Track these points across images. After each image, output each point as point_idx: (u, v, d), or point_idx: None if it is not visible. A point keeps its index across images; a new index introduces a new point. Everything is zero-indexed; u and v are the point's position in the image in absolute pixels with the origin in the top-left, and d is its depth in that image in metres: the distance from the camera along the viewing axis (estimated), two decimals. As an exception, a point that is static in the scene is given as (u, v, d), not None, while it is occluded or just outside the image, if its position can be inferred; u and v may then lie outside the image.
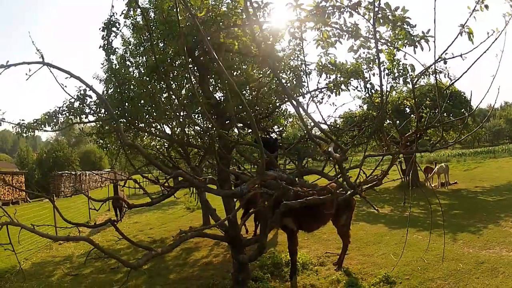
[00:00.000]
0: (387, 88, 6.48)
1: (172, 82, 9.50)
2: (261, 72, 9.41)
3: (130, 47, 10.93)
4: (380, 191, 20.65)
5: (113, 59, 10.97)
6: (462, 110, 20.61)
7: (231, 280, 8.65)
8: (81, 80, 5.52)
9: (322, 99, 9.06)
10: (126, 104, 8.72)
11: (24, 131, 8.37)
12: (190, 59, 8.65)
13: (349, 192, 5.82)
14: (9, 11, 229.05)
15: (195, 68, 9.18)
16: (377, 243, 11.18)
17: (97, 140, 12.35)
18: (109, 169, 57.20)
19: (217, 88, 9.74)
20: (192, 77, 9.41)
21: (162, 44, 8.87)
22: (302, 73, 8.76)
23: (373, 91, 8.21)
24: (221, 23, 7.62)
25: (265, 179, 5.79)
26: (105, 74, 11.78)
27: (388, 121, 18.69)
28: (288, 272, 9.06)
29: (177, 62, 9.02)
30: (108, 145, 13.08)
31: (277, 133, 11.62)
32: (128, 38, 10.97)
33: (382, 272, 8.45)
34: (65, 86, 6.97)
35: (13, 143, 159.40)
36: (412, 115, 20.83)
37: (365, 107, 19.41)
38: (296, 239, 8.78)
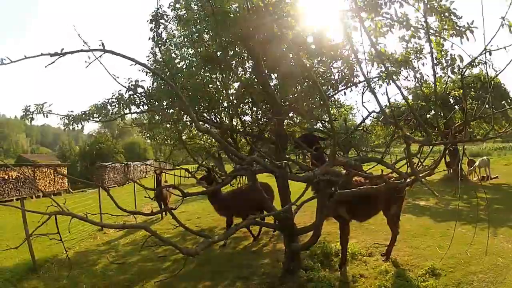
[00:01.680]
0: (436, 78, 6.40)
1: (226, 72, 9.57)
2: (314, 61, 9.41)
3: (174, 39, 11.03)
4: (424, 183, 20.40)
5: (157, 52, 11.16)
6: (503, 102, 20.29)
7: (281, 268, 8.72)
8: (148, 67, 5.58)
9: (374, 88, 9.05)
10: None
11: (71, 123, 8.41)
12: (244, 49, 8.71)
13: (408, 180, 5.84)
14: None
15: (249, 57, 9.21)
16: (423, 236, 11.11)
17: (145, 131, 12.52)
18: (154, 160, 57.79)
19: (271, 77, 9.73)
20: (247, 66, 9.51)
21: (214, 34, 8.91)
22: (354, 62, 8.71)
23: (421, 81, 8.14)
24: (274, 13, 7.63)
25: (336, 165, 5.83)
26: (152, 65, 11.95)
27: (433, 112, 18.49)
28: (337, 262, 9.12)
29: (230, 52, 9.04)
30: (156, 136, 13.24)
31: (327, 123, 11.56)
32: (173, 31, 11.04)
33: (428, 264, 8.49)
34: (117, 77, 7.10)
35: (53, 137, 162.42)
36: (455, 106, 20.58)
37: (410, 97, 19.22)
38: (348, 229, 8.84)
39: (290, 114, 10.52)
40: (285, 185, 9.08)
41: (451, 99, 21.29)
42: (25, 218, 10.75)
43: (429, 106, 17.65)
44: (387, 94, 6.49)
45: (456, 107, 20.37)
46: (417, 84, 8.72)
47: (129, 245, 13.52)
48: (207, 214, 16.79)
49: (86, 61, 5.01)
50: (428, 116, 20.07)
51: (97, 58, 5.01)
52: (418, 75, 7.99)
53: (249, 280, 8.77)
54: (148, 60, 12.34)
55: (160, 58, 10.79)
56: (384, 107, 7.74)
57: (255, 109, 11.23)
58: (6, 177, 32.62)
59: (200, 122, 11.16)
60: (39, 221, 4.94)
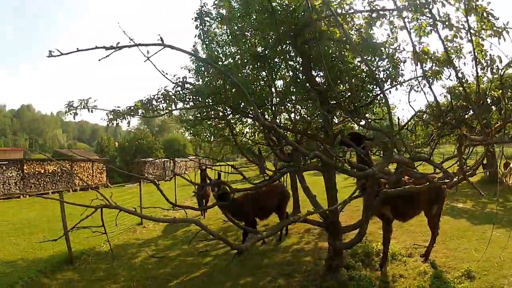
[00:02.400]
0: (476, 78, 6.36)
1: (272, 69, 9.59)
2: (360, 60, 9.38)
3: (216, 38, 11.09)
4: (461, 185, 20.20)
5: (200, 50, 11.22)
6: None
7: (323, 266, 8.68)
8: (209, 62, 5.57)
9: (418, 87, 9.01)
10: (225, 91, 8.80)
11: (116, 119, 8.44)
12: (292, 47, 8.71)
13: (455, 179, 5.80)
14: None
15: (296, 55, 9.21)
16: (460, 238, 11.02)
17: (189, 128, 12.61)
18: (194, 156, 58.37)
19: (319, 75, 9.71)
20: (296, 64, 9.51)
21: (261, 32, 8.93)
22: (398, 61, 8.67)
23: (463, 80, 8.06)
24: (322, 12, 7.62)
25: (392, 162, 5.81)
26: (194, 63, 12.03)
27: (471, 112, 18.26)
28: (378, 261, 9.11)
29: (278, 50, 9.05)
30: (199, 133, 13.35)
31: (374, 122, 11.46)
32: (214, 29, 11.08)
33: (464, 266, 8.43)
34: (166, 73, 7.15)
35: (91, 133, 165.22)
36: (492, 107, 20.23)
37: (449, 97, 18.97)
38: (391, 228, 8.82)
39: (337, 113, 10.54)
40: (332, 184, 9.04)
41: (488, 100, 20.96)
42: (63, 210, 10.90)
43: (468, 106, 17.45)
44: (433, 93, 6.40)
45: (493, 107, 20.04)
46: (459, 84, 8.62)
47: (169, 239, 13.62)
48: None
49: (145, 55, 5.01)
50: (466, 116, 19.84)
51: (156, 53, 5.02)
52: (460, 75, 7.91)
53: (291, 277, 8.78)
54: (190, 58, 12.43)
55: (205, 55, 10.89)
56: (431, 106, 7.71)
57: (299, 107, 11.25)
58: (42, 171, 33.38)
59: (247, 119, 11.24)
60: (82, 214, 4.99)
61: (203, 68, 10.78)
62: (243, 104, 9.14)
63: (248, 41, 9.79)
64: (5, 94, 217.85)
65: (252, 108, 8.74)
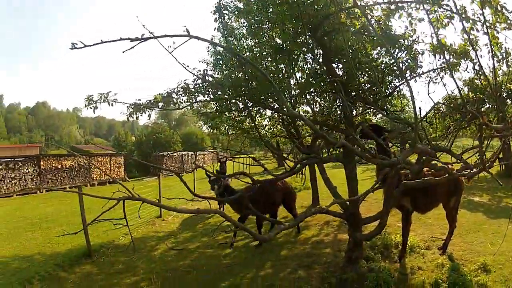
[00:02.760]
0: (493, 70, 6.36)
1: (291, 62, 9.60)
2: (379, 52, 9.39)
3: (234, 31, 11.14)
4: (478, 179, 20.12)
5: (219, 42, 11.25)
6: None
7: (343, 258, 8.74)
8: (242, 57, 5.58)
9: (436, 79, 9.02)
10: (246, 83, 8.82)
11: (136, 112, 8.46)
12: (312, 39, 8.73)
13: (475, 170, 5.81)
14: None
15: (316, 47, 9.23)
16: (476, 231, 11.12)
17: (209, 120, 12.65)
18: (212, 149, 58.64)
19: (338, 67, 9.72)
20: (316, 56, 9.51)
21: (280, 24, 8.94)
22: (417, 52, 8.67)
23: (480, 72, 8.07)
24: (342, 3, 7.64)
25: (415, 152, 5.83)
26: (212, 57, 12.09)
27: (487, 105, 18.13)
28: (396, 253, 9.17)
29: (298, 41, 9.06)
30: (218, 125, 13.41)
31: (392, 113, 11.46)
32: (231, 23, 11.10)
33: (480, 259, 8.48)
34: (187, 66, 7.18)
35: (108, 128, 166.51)
36: (507, 100, 20.10)
37: (465, 89, 18.88)
38: (410, 220, 8.89)
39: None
40: (353, 175, 9.06)
41: (504, 93, 20.81)
42: (82, 204, 11.00)
43: (485, 99, 17.32)
44: (456, 83, 6.39)
45: (508, 101, 19.92)
46: (476, 76, 8.63)
47: (188, 232, 13.70)
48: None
49: (170, 46, 5.04)
50: (482, 109, 19.70)
51: (181, 44, 5.04)
52: (476, 67, 7.93)
53: (311, 269, 8.83)
54: (208, 50, 12.49)
55: (223, 48, 10.94)
56: (449, 97, 7.72)
57: (318, 99, 11.26)
58: (60, 166, 33.70)
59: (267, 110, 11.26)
60: (103, 206, 5.04)
61: (221, 61, 10.84)
62: (263, 96, 9.15)
63: (266, 34, 9.81)
64: (20, 92, 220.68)
65: (275, 99, 8.81)
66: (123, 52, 4.86)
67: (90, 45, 4.68)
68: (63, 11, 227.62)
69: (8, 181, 29.18)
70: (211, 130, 15.05)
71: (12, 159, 30.47)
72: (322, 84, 9.47)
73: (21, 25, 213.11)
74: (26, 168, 30.72)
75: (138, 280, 9.34)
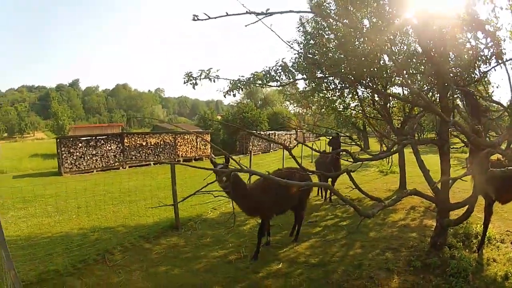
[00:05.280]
0: None
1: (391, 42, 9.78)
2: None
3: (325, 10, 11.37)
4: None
5: (305, 26, 11.56)
6: None
7: (428, 243, 8.94)
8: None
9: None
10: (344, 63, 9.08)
11: (234, 89, 8.63)
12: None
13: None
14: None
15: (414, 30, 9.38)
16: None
17: (300, 100, 12.97)
18: (299, 129, 59.09)
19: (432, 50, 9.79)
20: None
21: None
22: (499, 39, 8.66)
23: None
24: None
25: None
26: (302, 36, 12.43)
27: None
28: (476, 243, 9.24)
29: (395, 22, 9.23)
30: (311, 104, 13.68)
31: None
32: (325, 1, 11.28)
33: None
34: (291, 43, 7.46)
35: (191, 108, 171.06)
36: None
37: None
38: (492, 210, 8.90)
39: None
40: (447, 158, 9.03)
41: None
42: (174, 177, 11.55)
43: None
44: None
45: None
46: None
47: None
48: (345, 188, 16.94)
49: (272, 24, 5.30)
50: None
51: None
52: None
53: (398, 252, 9.05)
54: (298, 30, 12.84)
55: (312, 29, 11.24)
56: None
57: (409, 81, 11.33)
58: (144, 144, 35.45)
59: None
60: (205, 179, 5.49)
61: (312, 41, 11.13)
62: (361, 76, 9.31)
63: (359, 14, 9.98)
64: (97, 76, 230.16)
65: (373, 79, 9.00)
66: (245, 26, 5.14)
67: (215, 17, 4.96)
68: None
69: (88, 157, 31.18)
70: (301, 110, 15.36)
71: (94, 137, 32.36)
72: (418, 65, 9.65)
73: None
74: (109, 145, 32.69)
75: (227, 253, 9.67)
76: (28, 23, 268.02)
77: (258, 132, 50.08)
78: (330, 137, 13.52)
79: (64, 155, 30.00)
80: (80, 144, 30.77)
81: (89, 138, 32.09)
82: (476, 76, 9.38)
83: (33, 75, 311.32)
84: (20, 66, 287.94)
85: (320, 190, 15.63)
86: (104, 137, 33.09)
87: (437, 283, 7.35)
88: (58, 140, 31.38)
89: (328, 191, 15.00)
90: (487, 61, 8.81)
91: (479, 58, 8.86)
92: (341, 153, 9.56)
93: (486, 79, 10.24)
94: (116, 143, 33.31)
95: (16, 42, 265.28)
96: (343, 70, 9.08)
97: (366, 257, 8.83)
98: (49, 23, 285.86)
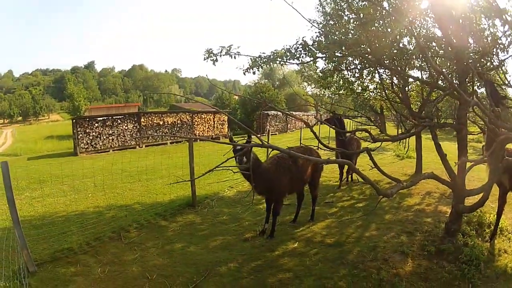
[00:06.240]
0: None
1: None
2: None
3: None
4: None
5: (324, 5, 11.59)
6: None
7: (443, 229, 8.99)
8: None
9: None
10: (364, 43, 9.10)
11: (255, 66, 8.73)
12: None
13: None
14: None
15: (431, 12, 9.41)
16: None
17: (320, 80, 13.05)
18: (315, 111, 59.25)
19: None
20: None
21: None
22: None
23: None
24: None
25: None
26: (321, 17, 12.49)
27: None
28: (488, 233, 9.28)
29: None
30: (330, 85, 13.76)
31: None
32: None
33: None
34: (313, 21, 7.52)
35: (208, 88, 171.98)
36: None
37: None
38: (505, 199, 8.93)
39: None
40: (465, 144, 9.08)
41: None
42: (192, 155, 11.69)
43: None
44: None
45: None
46: None
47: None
48: (372, 168, 16.95)
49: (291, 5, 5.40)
50: None
51: None
52: None
53: (413, 236, 9.10)
54: (318, 10, 12.88)
55: (330, 10, 11.29)
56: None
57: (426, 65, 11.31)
58: (161, 123, 36.00)
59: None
60: (224, 154, 5.65)
61: (331, 22, 11.17)
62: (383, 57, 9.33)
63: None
64: (111, 56, 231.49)
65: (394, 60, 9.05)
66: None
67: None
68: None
69: (104, 137, 31.75)
70: (321, 90, 15.39)
71: (110, 117, 32.88)
72: (437, 48, 9.69)
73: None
74: (126, 125, 33.19)
75: (243, 231, 9.86)
76: (41, 8, 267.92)
77: (275, 112, 50.48)
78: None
79: (80, 135, 30.55)
80: (96, 124, 31.32)
81: (105, 118, 32.60)
82: (494, 63, 9.40)
83: (47, 59, 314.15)
84: (33, 51, 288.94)
85: (341, 173, 15.57)
86: (120, 116, 33.57)
87: (450, 269, 7.47)
88: (74, 120, 31.82)
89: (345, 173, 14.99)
90: (505, 49, 8.83)
91: (497, 46, 8.87)
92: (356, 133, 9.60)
93: (504, 67, 10.25)
94: (133, 122, 33.82)
95: (28, 27, 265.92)
96: (363, 51, 9.11)
97: (381, 239, 8.93)
98: (62, 9, 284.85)
